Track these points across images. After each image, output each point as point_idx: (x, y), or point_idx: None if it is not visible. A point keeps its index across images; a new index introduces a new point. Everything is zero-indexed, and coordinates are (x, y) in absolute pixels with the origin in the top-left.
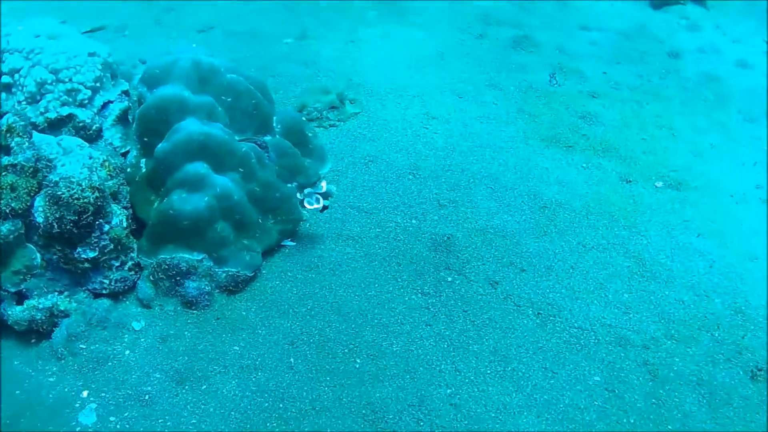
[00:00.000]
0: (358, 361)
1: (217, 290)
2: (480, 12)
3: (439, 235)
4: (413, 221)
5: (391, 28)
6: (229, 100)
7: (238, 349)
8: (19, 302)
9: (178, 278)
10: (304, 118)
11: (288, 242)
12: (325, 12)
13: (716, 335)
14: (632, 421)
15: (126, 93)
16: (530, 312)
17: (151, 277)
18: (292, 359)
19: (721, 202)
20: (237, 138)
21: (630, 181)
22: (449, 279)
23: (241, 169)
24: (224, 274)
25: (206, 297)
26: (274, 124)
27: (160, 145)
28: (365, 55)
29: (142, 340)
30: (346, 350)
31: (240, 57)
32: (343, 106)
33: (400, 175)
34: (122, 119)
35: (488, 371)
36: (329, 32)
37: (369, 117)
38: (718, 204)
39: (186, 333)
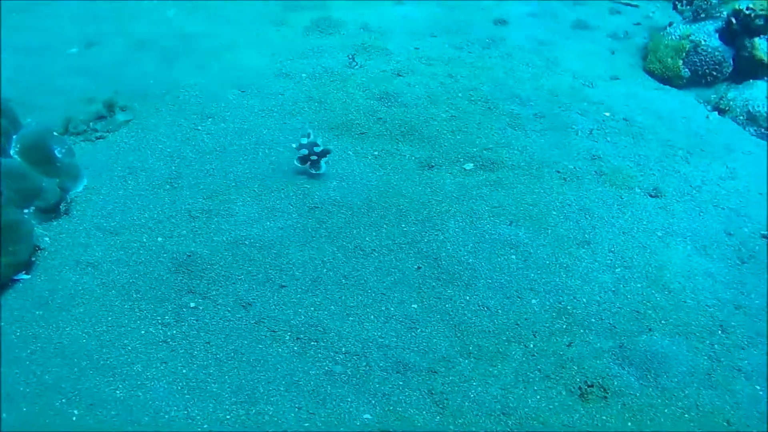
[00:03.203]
0: (76, 412)
1: None
2: None
3: (180, 254)
4: (159, 239)
5: (185, 23)
6: None
7: None
8: None
9: None
10: (56, 133)
11: (22, 275)
12: (119, 13)
13: (531, 346)
14: None
15: None
16: (287, 337)
17: None
18: (5, 414)
19: (545, 181)
20: None
21: (432, 167)
22: (192, 305)
23: None
24: None
25: None
26: (13, 144)
27: None
28: (151, 57)
29: None
30: (64, 400)
31: (17, 76)
32: (113, 114)
33: (156, 186)
34: None
35: (228, 417)
36: (118, 37)
37: (140, 124)
38: (540, 184)
39: None
